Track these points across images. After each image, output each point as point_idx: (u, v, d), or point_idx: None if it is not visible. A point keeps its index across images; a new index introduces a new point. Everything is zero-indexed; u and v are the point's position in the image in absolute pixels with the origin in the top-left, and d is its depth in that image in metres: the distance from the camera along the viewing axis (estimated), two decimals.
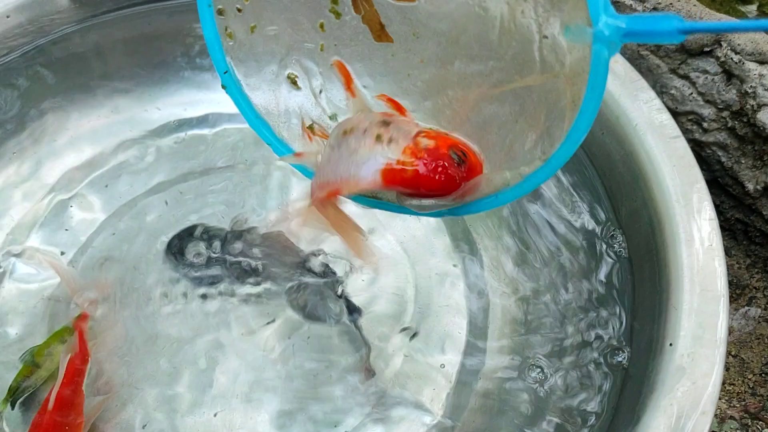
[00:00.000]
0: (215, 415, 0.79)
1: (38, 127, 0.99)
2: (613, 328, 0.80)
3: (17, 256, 0.90)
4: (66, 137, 1.00)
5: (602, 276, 0.83)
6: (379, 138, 0.51)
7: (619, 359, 0.77)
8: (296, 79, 0.62)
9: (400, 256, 0.89)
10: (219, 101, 1.02)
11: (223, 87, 0.61)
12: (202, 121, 1.02)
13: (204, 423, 0.79)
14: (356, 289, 0.86)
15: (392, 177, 0.49)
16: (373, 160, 0.50)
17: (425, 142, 0.50)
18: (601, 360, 0.78)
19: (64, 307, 0.85)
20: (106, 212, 0.93)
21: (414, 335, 0.84)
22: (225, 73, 0.60)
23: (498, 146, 0.54)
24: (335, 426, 0.78)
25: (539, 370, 0.80)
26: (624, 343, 0.77)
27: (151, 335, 0.84)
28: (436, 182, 0.49)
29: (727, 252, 1.02)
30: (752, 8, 0.98)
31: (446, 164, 0.49)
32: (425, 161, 0.49)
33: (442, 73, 0.57)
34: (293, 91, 0.62)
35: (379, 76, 0.59)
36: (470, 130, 0.55)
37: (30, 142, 0.98)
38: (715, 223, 0.73)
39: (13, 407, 0.78)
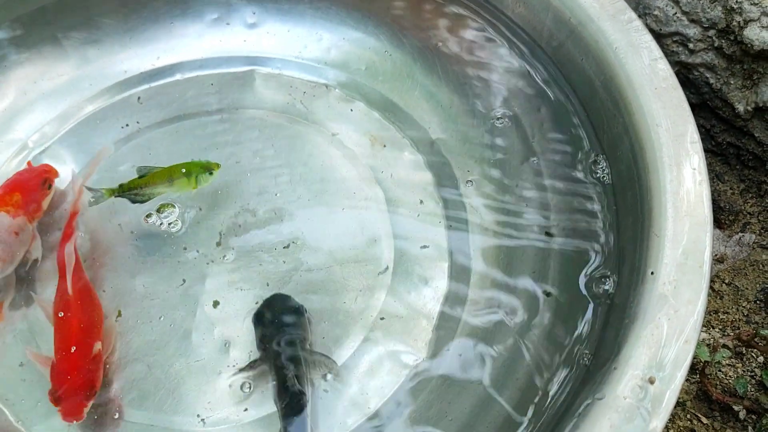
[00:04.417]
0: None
1: (7, 82, 0.97)
2: (599, 257, 0.77)
3: None
4: (36, 91, 0.98)
5: (586, 205, 0.80)
6: None
7: (606, 287, 0.74)
8: None
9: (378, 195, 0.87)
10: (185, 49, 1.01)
11: None
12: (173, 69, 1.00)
13: None
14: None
15: None
16: None
17: None
18: (586, 292, 0.76)
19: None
20: (79, 165, 0.92)
21: (392, 277, 0.82)
22: None
23: None
24: None
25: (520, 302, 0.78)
26: (609, 273, 0.75)
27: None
28: None
29: (720, 177, 0.99)
30: None
31: None
32: None
33: None
34: None
35: None
36: None
37: None
38: (699, 147, 0.70)
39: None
